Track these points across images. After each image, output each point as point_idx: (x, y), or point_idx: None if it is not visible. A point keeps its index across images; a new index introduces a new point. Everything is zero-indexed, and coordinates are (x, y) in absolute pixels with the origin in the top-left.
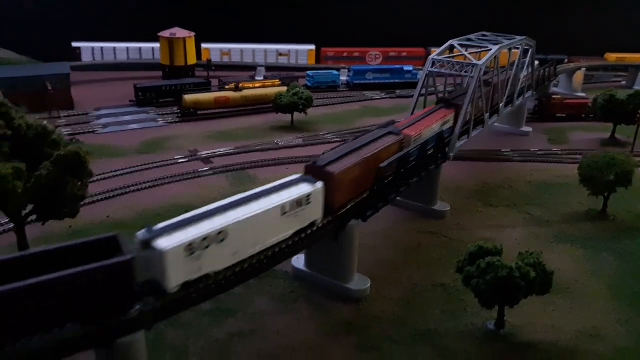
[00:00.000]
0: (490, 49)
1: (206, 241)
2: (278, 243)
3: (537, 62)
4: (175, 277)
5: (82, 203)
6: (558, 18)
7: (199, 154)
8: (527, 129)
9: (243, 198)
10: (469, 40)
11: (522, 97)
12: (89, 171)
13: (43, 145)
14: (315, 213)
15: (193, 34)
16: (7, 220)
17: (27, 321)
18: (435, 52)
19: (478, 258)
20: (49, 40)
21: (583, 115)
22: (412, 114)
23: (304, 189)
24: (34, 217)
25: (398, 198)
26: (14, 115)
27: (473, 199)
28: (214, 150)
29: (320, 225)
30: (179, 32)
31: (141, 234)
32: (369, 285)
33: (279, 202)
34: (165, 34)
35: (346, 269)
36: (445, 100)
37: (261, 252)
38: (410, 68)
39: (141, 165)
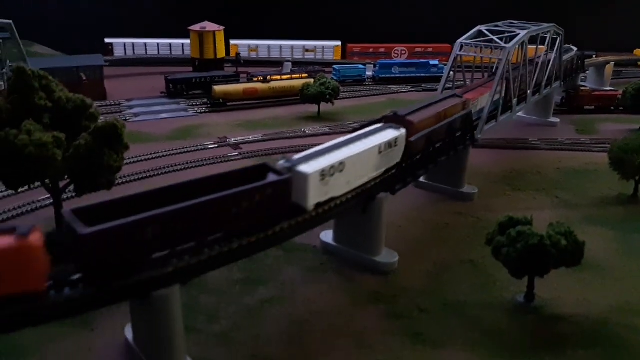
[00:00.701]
0: (518, 34)
1: (332, 169)
2: (374, 178)
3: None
4: (313, 198)
5: (117, 183)
6: (587, 13)
7: (227, 140)
8: (554, 119)
9: (350, 138)
10: (496, 26)
11: (550, 87)
12: (124, 144)
13: (81, 118)
14: (398, 155)
15: (222, 27)
16: (44, 197)
17: (215, 226)
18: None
19: (508, 228)
20: (82, 36)
21: (612, 108)
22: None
23: (392, 133)
24: (71, 188)
25: (426, 181)
26: (54, 88)
27: (501, 183)
28: (243, 137)
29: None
30: (209, 26)
31: (282, 163)
32: (397, 259)
33: (378, 142)
34: (196, 27)
35: (374, 242)
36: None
37: (363, 184)
38: (436, 62)
39: (172, 150)
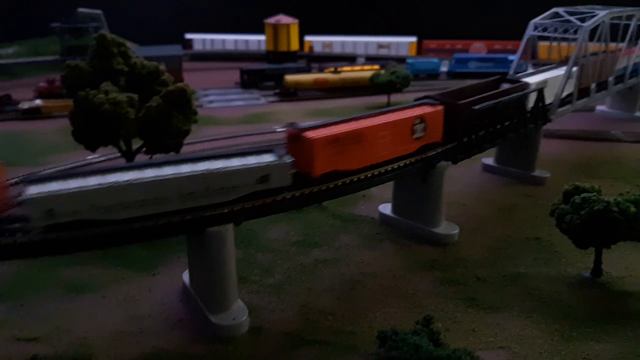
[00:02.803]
0: (597, 14)
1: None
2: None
3: None
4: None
5: None
6: None
7: (295, 125)
8: None
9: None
10: (575, 9)
11: (636, 77)
12: (193, 109)
13: (154, 83)
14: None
15: (296, 20)
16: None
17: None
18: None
19: (573, 196)
20: (163, 32)
21: None
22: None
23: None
24: (143, 150)
25: (496, 164)
26: (130, 54)
27: (575, 171)
28: (311, 123)
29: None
30: (283, 19)
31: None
32: (457, 231)
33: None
34: (271, 20)
35: (434, 213)
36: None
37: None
38: (514, 57)
39: (244, 132)
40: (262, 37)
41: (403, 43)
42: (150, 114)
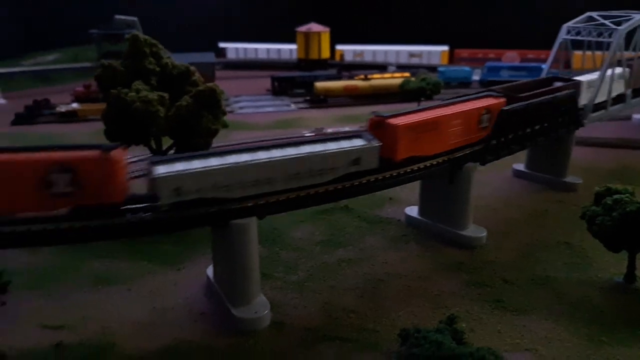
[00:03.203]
0: (633, 17)
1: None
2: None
3: None
4: None
5: None
6: None
7: (324, 130)
8: None
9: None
10: (610, 13)
11: None
12: (222, 109)
13: (185, 83)
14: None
15: (328, 29)
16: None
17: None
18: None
19: (605, 198)
20: (198, 40)
21: None
22: None
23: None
24: (172, 149)
25: (527, 170)
26: (162, 54)
27: (609, 177)
28: (339, 129)
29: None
30: (314, 27)
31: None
32: (485, 234)
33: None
34: (302, 28)
35: (461, 215)
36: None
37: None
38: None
39: (272, 137)
40: (293, 46)
41: (435, 52)
42: (180, 113)
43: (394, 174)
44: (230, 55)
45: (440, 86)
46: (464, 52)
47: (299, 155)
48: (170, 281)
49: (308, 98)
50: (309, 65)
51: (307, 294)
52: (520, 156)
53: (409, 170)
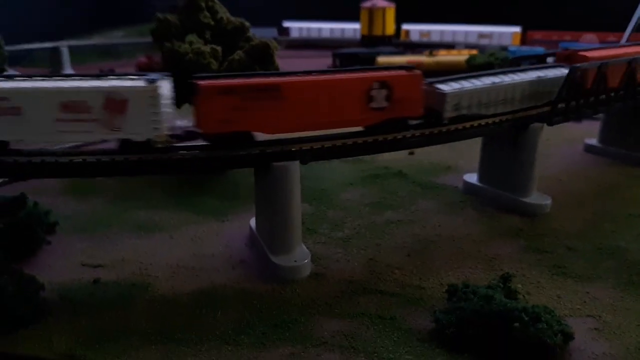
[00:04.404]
0: None
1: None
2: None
3: None
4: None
5: None
6: None
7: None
8: None
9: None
10: None
11: None
12: (275, 65)
13: (239, 39)
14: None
15: (393, 4)
16: None
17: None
18: None
19: None
20: (262, 18)
21: None
22: None
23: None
24: None
25: (600, 144)
26: (218, 9)
27: None
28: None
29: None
30: (379, 3)
31: None
32: (549, 201)
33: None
34: (367, 4)
35: (524, 180)
36: None
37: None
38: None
39: None
40: (357, 25)
41: (506, 33)
42: (233, 67)
43: (450, 129)
44: (294, 34)
45: (509, 62)
46: (538, 34)
47: (532, 79)
48: (213, 231)
49: None
50: (372, 42)
51: (351, 249)
52: (594, 131)
53: (461, 128)
